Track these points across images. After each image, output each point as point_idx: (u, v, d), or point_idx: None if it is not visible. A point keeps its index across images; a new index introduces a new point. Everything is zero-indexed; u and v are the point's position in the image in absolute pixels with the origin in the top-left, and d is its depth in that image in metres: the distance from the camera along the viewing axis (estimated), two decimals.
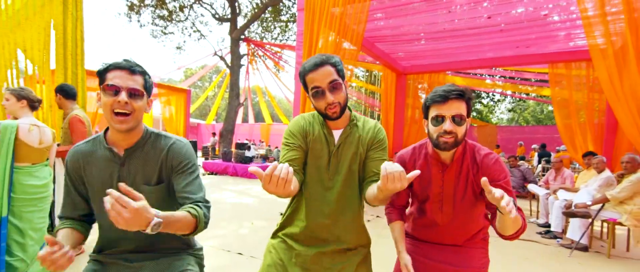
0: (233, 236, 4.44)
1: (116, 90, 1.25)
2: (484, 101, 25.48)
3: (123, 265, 1.40)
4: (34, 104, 2.92)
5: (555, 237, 4.79)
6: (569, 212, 4.25)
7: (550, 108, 31.08)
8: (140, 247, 1.42)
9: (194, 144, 11.91)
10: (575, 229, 4.26)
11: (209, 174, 11.53)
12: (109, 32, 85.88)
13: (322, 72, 1.37)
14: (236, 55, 14.87)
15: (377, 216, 5.82)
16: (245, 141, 14.03)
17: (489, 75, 15.42)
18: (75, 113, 3.39)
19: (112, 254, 1.42)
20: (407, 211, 1.76)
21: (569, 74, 7.50)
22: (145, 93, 1.32)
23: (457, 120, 1.39)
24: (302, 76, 1.42)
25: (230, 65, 15.06)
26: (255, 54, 18.76)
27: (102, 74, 1.27)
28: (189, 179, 1.38)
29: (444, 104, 1.39)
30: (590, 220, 4.19)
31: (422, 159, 1.59)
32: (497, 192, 1.15)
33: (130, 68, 1.28)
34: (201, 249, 1.62)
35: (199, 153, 17.24)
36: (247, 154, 12.01)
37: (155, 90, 12.16)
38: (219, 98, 24.14)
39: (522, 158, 8.83)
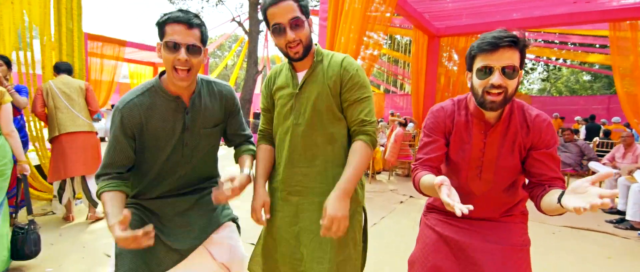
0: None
1: (175, 46, 1.26)
2: None
3: (167, 202, 1.47)
4: None
5: (632, 227, 4.03)
6: None
7: (586, 77, 29.11)
8: (180, 188, 1.49)
9: None
10: None
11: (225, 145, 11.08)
12: None
13: (283, 7, 1.29)
14: (254, 21, 14.34)
15: (411, 196, 5.17)
16: None
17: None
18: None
19: (154, 198, 1.46)
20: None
21: (634, 36, 6.46)
22: (202, 47, 1.33)
23: (509, 72, 1.19)
24: (263, 12, 1.34)
25: (248, 31, 14.54)
26: None
27: (160, 27, 1.28)
28: (238, 118, 1.60)
29: (494, 53, 1.19)
30: None
31: (462, 117, 1.38)
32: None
33: (188, 22, 1.27)
34: None
35: None
36: None
37: None
38: (237, 67, 23.65)
39: (576, 131, 7.84)
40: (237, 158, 1.60)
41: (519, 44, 1.18)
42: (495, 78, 1.18)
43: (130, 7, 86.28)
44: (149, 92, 1.37)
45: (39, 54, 4.14)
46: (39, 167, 4.24)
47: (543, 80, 28.61)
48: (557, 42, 13.93)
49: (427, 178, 1.27)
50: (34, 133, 4.07)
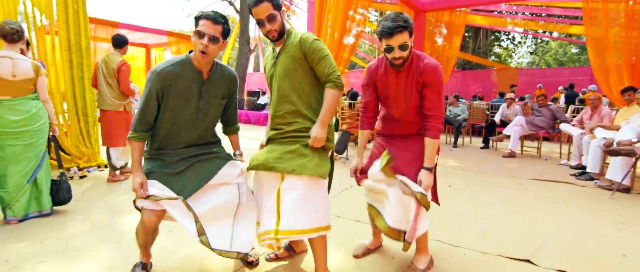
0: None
1: (201, 34, 1.75)
2: (503, 44, 24.33)
3: (177, 152, 1.93)
4: (5, 36, 2.86)
5: (591, 178, 4.54)
6: (612, 151, 3.95)
7: (574, 50, 29.53)
8: (189, 142, 1.98)
9: None
10: (617, 169, 3.99)
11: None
12: None
13: (261, 8, 1.82)
14: (246, 0, 14.36)
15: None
16: (257, 89, 13.77)
17: (511, 12, 14.36)
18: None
19: (168, 148, 1.93)
20: (379, 115, 2.27)
21: (605, 7, 6.82)
22: (221, 38, 1.81)
23: (403, 47, 1.84)
24: (249, 10, 1.89)
25: (239, 10, 14.57)
26: None
27: (196, 20, 1.78)
28: (233, 105, 2.17)
29: (392, 38, 1.82)
30: (633, 159, 3.89)
31: (383, 68, 2.08)
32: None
33: (214, 19, 1.76)
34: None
35: None
36: (259, 101, 11.81)
37: (165, 39, 11.78)
38: (229, 47, 23.60)
39: (554, 99, 8.28)
40: (229, 135, 2.26)
41: (407, 28, 1.79)
42: (395, 53, 1.85)
43: None
44: (180, 64, 1.84)
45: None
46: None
47: (531, 53, 29.00)
48: (544, 15, 14.24)
49: (361, 142, 2.21)
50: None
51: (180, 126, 1.90)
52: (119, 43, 4.13)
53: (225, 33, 1.83)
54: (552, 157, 6.55)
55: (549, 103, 6.51)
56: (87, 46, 4.69)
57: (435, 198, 2.19)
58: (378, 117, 2.27)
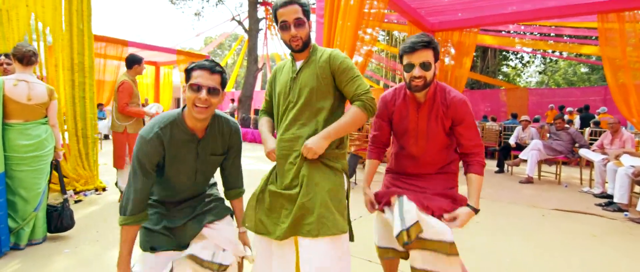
0: None
1: (198, 88, 1.49)
2: (512, 63, 24.07)
3: (176, 203, 1.75)
4: (22, 59, 2.78)
5: (620, 209, 4.22)
6: None
7: (583, 69, 29.19)
8: (189, 197, 1.78)
9: None
10: None
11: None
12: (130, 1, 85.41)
13: (290, 9, 1.60)
14: (254, 20, 14.64)
15: None
16: None
17: (518, 32, 14.19)
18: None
19: (168, 202, 1.75)
20: (389, 151, 2.01)
21: (621, 28, 6.61)
22: (221, 89, 1.57)
23: (425, 66, 1.64)
24: (274, 12, 1.65)
25: (248, 29, 14.74)
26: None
27: (188, 72, 1.53)
28: (238, 160, 1.86)
29: (413, 54, 1.64)
30: None
31: (400, 99, 1.85)
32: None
33: (211, 68, 1.53)
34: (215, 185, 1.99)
35: None
36: None
37: (174, 57, 11.82)
38: (237, 65, 23.81)
39: (570, 122, 7.98)
40: (230, 199, 1.89)
41: (431, 45, 1.63)
42: (416, 71, 1.64)
43: (132, 7, 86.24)
44: (170, 125, 1.57)
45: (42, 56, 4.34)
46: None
47: (540, 72, 28.73)
48: (553, 34, 14.04)
49: (369, 170, 1.96)
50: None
51: (177, 190, 1.72)
52: (128, 63, 4.05)
53: (224, 83, 1.60)
54: (573, 183, 6.21)
55: (567, 126, 6.22)
56: (90, 66, 4.57)
57: None
58: (389, 151, 2.01)
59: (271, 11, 1.69)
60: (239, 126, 1.81)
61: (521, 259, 2.75)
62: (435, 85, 1.75)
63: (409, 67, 1.66)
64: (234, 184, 1.86)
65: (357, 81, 1.62)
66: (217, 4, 18.00)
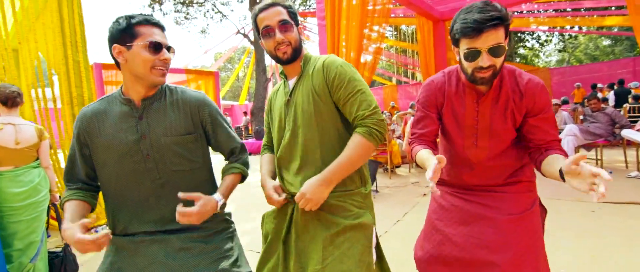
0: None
1: (159, 46, 1.26)
2: (528, 44, 23.17)
3: (154, 240, 1.30)
4: (6, 101, 2.62)
5: None
6: None
7: (606, 42, 27.94)
8: (165, 223, 1.32)
9: None
10: None
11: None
12: None
13: (272, 12, 1.34)
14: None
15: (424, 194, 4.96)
16: None
17: (532, 11, 13.51)
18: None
19: (135, 233, 1.32)
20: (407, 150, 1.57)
21: None
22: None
23: (496, 52, 1.18)
24: (254, 20, 1.39)
25: (253, 41, 14.81)
26: None
27: (131, 28, 1.25)
28: (221, 130, 1.45)
29: (479, 36, 1.16)
30: None
31: (453, 87, 1.41)
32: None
33: (162, 26, 1.30)
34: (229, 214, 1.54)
35: None
36: None
37: (183, 77, 11.89)
38: (247, 77, 23.91)
39: (604, 99, 7.37)
40: (223, 173, 1.47)
41: (504, 22, 1.16)
42: (484, 60, 1.19)
43: None
44: (107, 99, 1.36)
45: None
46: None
47: (560, 51, 27.66)
48: (570, 9, 13.34)
49: (423, 154, 1.32)
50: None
51: (133, 190, 1.29)
52: None
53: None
54: (617, 168, 5.64)
55: (603, 106, 5.70)
56: (90, 97, 4.46)
57: None
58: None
59: (251, 21, 1.42)
60: (204, 93, 1.45)
61: (575, 266, 2.37)
62: (502, 67, 1.32)
63: (472, 55, 1.19)
64: (229, 153, 1.47)
65: (359, 98, 1.29)
66: (221, 20, 18.10)
